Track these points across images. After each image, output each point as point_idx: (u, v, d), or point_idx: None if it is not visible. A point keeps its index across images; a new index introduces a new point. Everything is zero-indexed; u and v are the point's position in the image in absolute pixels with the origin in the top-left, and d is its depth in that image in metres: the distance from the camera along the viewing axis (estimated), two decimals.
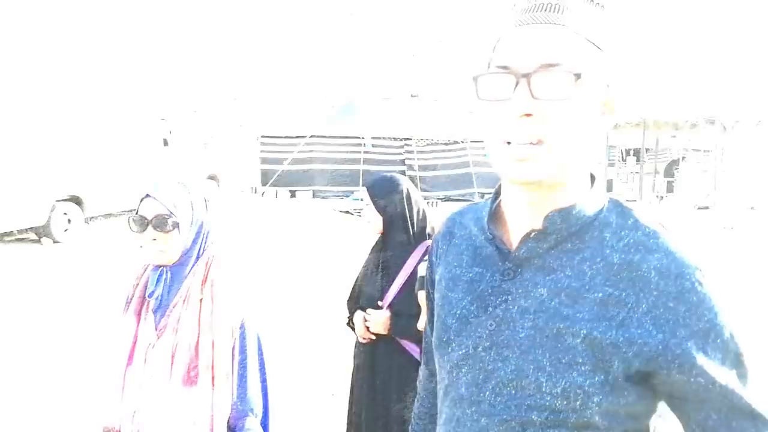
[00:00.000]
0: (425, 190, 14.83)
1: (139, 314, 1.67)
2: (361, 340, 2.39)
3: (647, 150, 22.57)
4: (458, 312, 0.97)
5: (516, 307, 0.90)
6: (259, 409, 1.67)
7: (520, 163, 0.84)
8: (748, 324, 0.87)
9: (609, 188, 21.81)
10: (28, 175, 8.98)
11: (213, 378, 1.58)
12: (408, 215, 2.32)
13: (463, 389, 0.94)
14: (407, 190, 2.35)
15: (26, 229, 9.43)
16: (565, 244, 0.90)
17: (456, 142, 16.91)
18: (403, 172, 15.06)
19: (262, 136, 17.55)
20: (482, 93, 0.87)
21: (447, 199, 16.18)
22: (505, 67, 0.84)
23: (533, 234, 0.91)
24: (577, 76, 0.81)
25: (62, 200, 9.59)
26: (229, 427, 1.62)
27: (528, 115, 0.82)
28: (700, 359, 0.81)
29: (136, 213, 1.63)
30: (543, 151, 0.83)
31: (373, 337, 2.32)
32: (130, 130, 11.34)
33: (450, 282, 1.02)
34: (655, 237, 0.87)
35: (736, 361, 0.82)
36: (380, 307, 2.33)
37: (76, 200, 9.86)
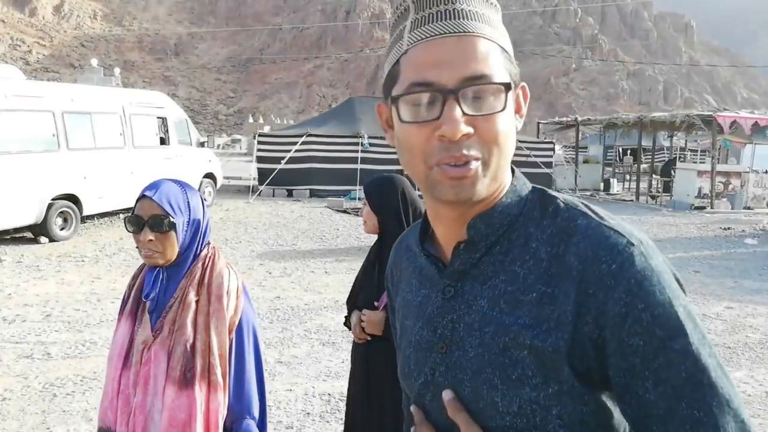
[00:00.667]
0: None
1: (134, 315, 1.66)
2: (356, 340, 2.38)
3: (644, 150, 22.60)
4: (413, 339, 0.92)
5: (462, 325, 0.85)
6: (256, 411, 1.66)
7: (458, 183, 0.78)
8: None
9: (606, 188, 21.94)
10: (24, 174, 8.96)
11: (209, 379, 1.57)
12: (404, 215, 2.32)
13: (432, 417, 0.88)
14: (403, 189, 2.36)
15: (23, 228, 9.42)
16: (495, 247, 0.85)
17: None
18: (400, 172, 15.08)
19: (259, 135, 17.54)
20: (405, 114, 0.79)
21: None
22: (427, 84, 0.77)
23: (462, 246, 0.86)
24: (507, 86, 0.78)
25: (59, 198, 9.57)
26: (225, 428, 1.61)
27: (465, 134, 0.76)
28: (613, 348, 0.74)
29: (133, 213, 1.63)
30: (479, 169, 0.78)
31: (369, 338, 2.32)
32: (129, 128, 11.31)
33: (404, 309, 0.97)
34: (574, 220, 0.82)
35: (662, 347, 0.72)
36: (376, 308, 2.33)
37: (73, 199, 9.85)
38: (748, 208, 16.45)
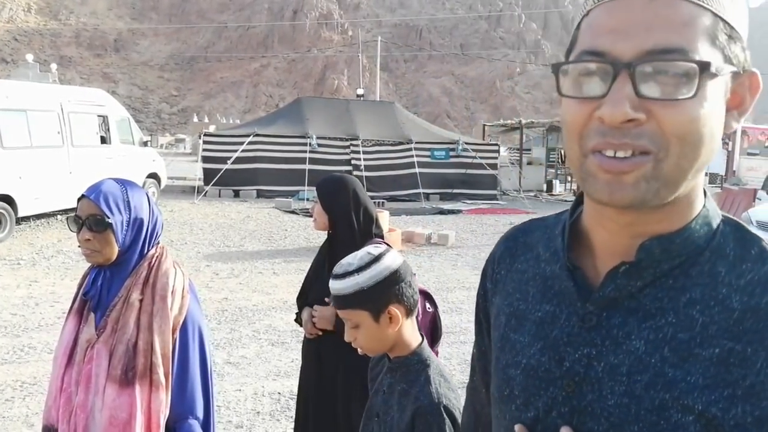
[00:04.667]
0: (371, 190, 14.90)
1: (80, 314, 1.65)
2: (308, 335, 2.42)
3: None
4: (524, 362, 0.77)
5: (602, 364, 0.69)
6: (200, 411, 1.66)
7: (615, 180, 0.64)
8: None
9: (549, 189, 22.59)
10: None
11: (151, 379, 1.57)
12: (354, 215, 2.37)
13: None
14: (354, 189, 2.41)
15: None
16: (666, 280, 0.69)
17: (402, 143, 17.08)
18: (349, 172, 15.12)
19: (205, 134, 17.24)
20: (566, 87, 0.66)
21: (393, 198, 16.32)
22: (598, 54, 0.63)
23: (623, 268, 0.70)
24: (703, 66, 0.60)
25: None
26: (168, 428, 1.61)
27: (631, 120, 0.61)
28: None
29: (75, 213, 1.63)
30: (648, 166, 0.63)
31: (320, 333, 2.36)
32: (67, 127, 10.92)
33: (512, 320, 0.81)
34: None
35: None
36: (327, 304, 2.37)
37: (8, 199, 9.44)
38: None
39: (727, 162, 16.82)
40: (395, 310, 1.47)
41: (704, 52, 0.61)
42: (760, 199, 12.34)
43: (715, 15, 0.63)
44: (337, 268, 1.51)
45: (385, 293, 1.47)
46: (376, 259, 1.49)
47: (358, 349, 1.54)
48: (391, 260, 1.51)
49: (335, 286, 1.49)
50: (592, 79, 0.64)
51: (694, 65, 0.60)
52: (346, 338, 1.52)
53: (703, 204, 0.71)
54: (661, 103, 0.61)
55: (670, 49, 0.61)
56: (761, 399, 0.62)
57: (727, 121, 0.67)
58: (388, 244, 2.36)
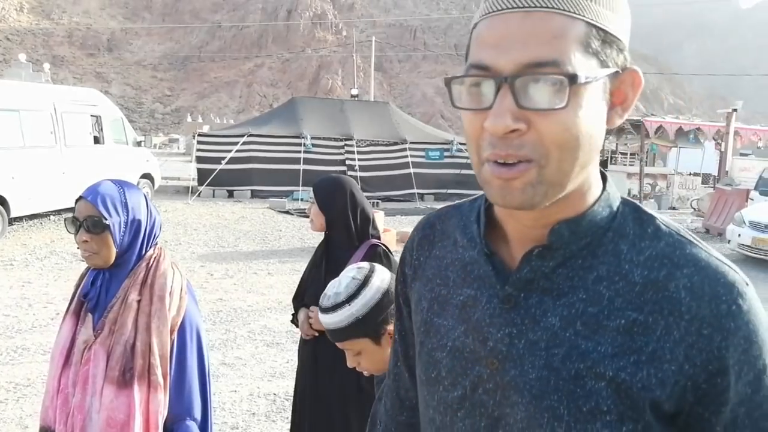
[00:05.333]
0: (366, 191, 14.89)
1: (78, 315, 1.65)
2: (304, 336, 2.42)
3: None
4: (450, 344, 0.81)
5: (523, 341, 0.74)
6: (197, 412, 1.66)
7: (506, 185, 0.68)
8: None
9: None
10: None
11: (149, 380, 1.56)
12: (351, 215, 2.37)
13: None
14: (351, 190, 2.41)
15: None
16: (575, 260, 0.74)
17: (396, 143, 17.08)
18: (344, 172, 15.11)
19: (198, 134, 17.19)
20: (458, 99, 0.70)
21: (388, 199, 16.32)
22: (483, 67, 0.67)
23: (537, 251, 0.75)
24: (572, 78, 0.64)
25: None
26: (166, 429, 1.61)
27: (514, 131, 0.66)
28: (729, 397, 0.69)
29: (72, 215, 1.62)
30: (533, 172, 0.67)
31: (317, 334, 2.36)
32: (60, 127, 10.87)
33: (434, 305, 0.85)
34: (682, 247, 0.73)
35: (766, 396, 0.70)
36: None
37: (0, 200, 9.38)
38: (674, 208, 17.34)
39: (720, 162, 16.91)
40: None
41: (577, 61, 0.65)
42: (752, 199, 12.42)
43: (588, 23, 0.66)
44: (325, 301, 1.43)
45: (382, 315, 1.41)
46: (364, 283, 1.42)
47: (364, 372, 1.49)
48: (379, 280, 1.44)
49: (328, 320, 1.41)
50: (480, 91, 0.68)
51: (563, 77, 0.64)
52: (349, 364, 1.47)
53: (603, 188, 0.77)
54: (538, 114, 0.65)
55: (543, 62, 0.64)
56: (662, 362, 0.69)
57: (611, 117, 0.73)
58: (384, 245, 2.38)
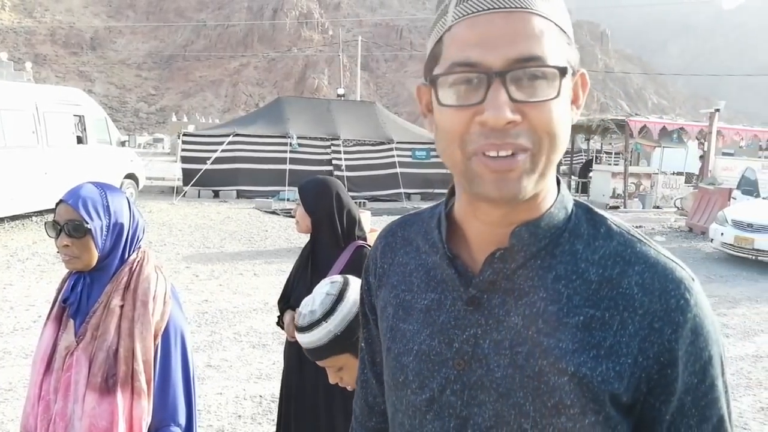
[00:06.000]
0: (352, 190, 14.89)
1: (59, 320, 1.63)
2: (290, 339, 2.40)
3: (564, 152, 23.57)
4: (416, 348, 0.82)
5: (488, 341, 0.77)
6: (182, 418, 1.64)
7: (501, 177, 0.70)
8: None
9: None
10: None
11: (133, 386, 1.54)
12: (337, 217, 2.36)
13: None
14: (338, 192, 2.40)
15: None
16: (535, 261, 0.77)
17: (383, 143, 17.07)
18: (330, 172, 15.08)
19: (184, 134, 17.06)
20: (444, 97, 0.72)
21: (374, 198, 16.31)
22: (470, 65, 0.69)
23: (498, 253, 0.77)
24: (563, 70, 0.69)
25: None
26: None
27: (511, 122, 0.68)
28: (677, 387, 0.73)
29: (53, 218, 1.60)
30: (528, 162, 0.70)
31: None
32: (42, 127, 10.73)
33: (399, 310, 0.87)
34: (632, 246, 0.77)
35: (710, 385, 0.74)
36: None
37: None
38: (658, 207, 17.50)
39: (703, 162, 17.09)
40: None
41: (556, 57, 0.70)
42: (735, 198, 12.57)
43: (558, 26, 0.72)
44: (301, 320, 1.39)
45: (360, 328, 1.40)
46: (339, 298, 1.39)
47: (348, 387, 1.45)
48: (355, 293, 1.41)
49: (306, 339, 1.37)
50: (466, 87, 0.70)
51: (555, 70, 0.69)
52: (332, 381, 1.44)
53: (558, 191, 0.81)
54: (531, 105, 0.69)
55: (531, 57, 0.68)
56: (620, 356, 0.72)
57: (572, 116, 0.77)
58: (370, 246, 2.36)
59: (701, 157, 19.74)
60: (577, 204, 0.82)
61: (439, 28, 0.74)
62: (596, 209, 0.83)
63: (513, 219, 0.77)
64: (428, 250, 0.86)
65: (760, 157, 21.31)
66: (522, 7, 0.69)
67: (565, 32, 0.73)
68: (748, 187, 12.97)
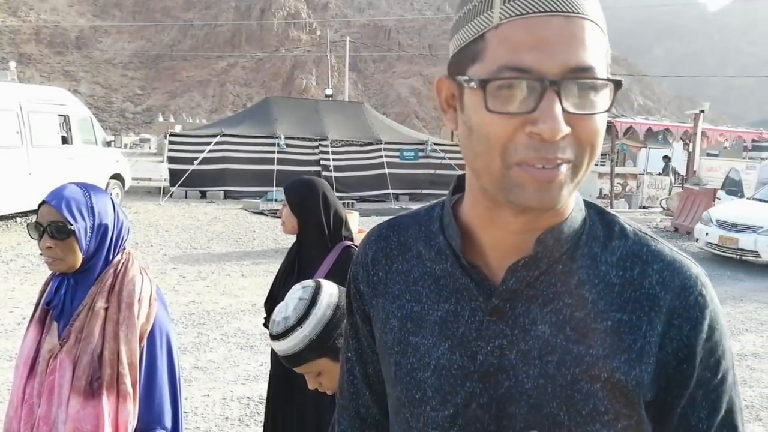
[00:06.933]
0: (340, 191, 14.87)
1: (42, 323, 1.60)
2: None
3: None
4: (433, 363, 0.78)
5: (514, 352, 0.74)
6: (168, 421, 1.63)
7: (543, 188, 0.67)
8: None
9: None
10: None
11: (118, 389, 1.52)
12: (324, 217, 2.35)
13: None
14: (323, 192, 2.39)
15: None
16: (556, 266, 0.75)
17: (371, 143, 17.07)
18: (318, 173, 15.05)
19: (170, 134, 16.95)
20: (493, 103, 0.66)
21: (362, 199, 16.30)
22: (522, 70, 0.65)
23: (522, 261, 0.75)
24: (617, 84, 0.67)
25: None
26: None
27: (564, 135, 0.65)
28: (691, 382, 0.74)
29: (35, 220, 1.57)
30: (569, 172, 0.68)
31: None
32: (26, 127, 10.61)
33: (408, 322, 0.82)
34: (647, 245, 0.77)
35: (722, 379, 0.75)
36: None
37: None
38: (644, 207, 17.64)
39: (688, 162, 17.25)
40: None
41: (604, 68, 0.68)
42: (719, 199, 12.70)
43: (605, 35, 0.70)
44: (275, 327, 1.37)
45: (337, 332, 1.35)
46: (312, 302, 1.37)
47: (327, 392, 1.43)
48: (328, 296, 1.39)
49: (282, 347, 1.35)
50: (516, 93, 0.66)
51: (611, 83, 0.67)
52: (311, 387, 1.42)
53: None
54: (581, 117, 0.66)
55: (587, 68, 0.65)
56: (650, 356, 0.72)
57: None
58: (357, 247, 2.36)
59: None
60: (588, 204, 0.81)
61: (481, 23, 0.68)
62: (606, 209, 0.82)
63: (535, 225, 0.74)
64: (434, 257, 0.82)
65: (744, 158, 21.55)
66: (579, 13, 0.66)
67: (606, 38, 0.71)
68: (733, 187, 13.12)
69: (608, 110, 0.68)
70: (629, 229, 0.79)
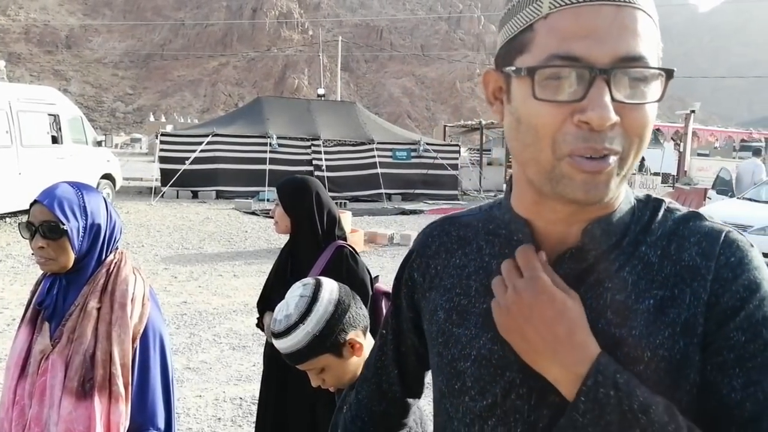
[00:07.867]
0: (333, 191, 14.85)
1: (33, 323, 1.59)
2: (270, 340, 2.39)
3: None
4: (474, 353, 0.79)
5: None
6: (160, 422, 1.62)
7: (591, 179, 0.67)
8: None
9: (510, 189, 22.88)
10: None
11: (110, 390, 1.51)
12: (317, 217, 2.35)
13: None
14: (317, 192, 2.39)
15: None
16: (604, 258, 0.75)
17: (363, 143, 17.07)
18: (310, 173, 15.03)
19: (162, 134, 16.88)
20: (541, 92, 0.66)
21: (355, 199, 16.30)
22: (572, 59, 0.65)
23: (569, 253, 0.75)
24: (669, 73, 0.67)
25: None
26: None
27: (613, 124, 0.65)
28: (721, 344, 0.70)
29: (27, 219, 1.56)
30: (616, 164, 0.67)
31: None
32: (16, 126, 10.53)
33: (453, 314, 0.83)
34: (685, 222, 0.75)
35: (762, 347, 0.69)
36: None
37: None
38: None
39: (679, 162, 17.36)
40: (354, 337, 1.40)
41: (655, 57, 0.67)
42: (710, 198, 12.78)
43: (656, 24, 0.69)
44: (277, 325, 1.37)
45: (339, 327, 1.37)
46: (313, 299, 1.38)
47: (330, 388, 1.45)
48: (328, 293, 1.40)
49: (284, 344, 1.36)
50: (564, 82, 0.66)
51: (662, 72, 0.66)
52: (314, 384, 1.42)
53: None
54: (630, 107, 0.66)
55: (637, 57, 0.65)
56: (696, 327, 0.70)
57: None
58: (350, 246, 2.36)
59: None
60: (635, 196, 0.81)
61: (530, 14, 0.69)
62: (655, 195, 0.81)
63: (580, 217, 0.74)
64: (495, 252, 0.82)
65: (734, 158, 21.72)
66: (630, 3, 0.66)
67: (658, 30, 0.70)
68: (723, 187, 13.20)
69: (659, 100, 0.67)
70: (674, 210, 0.78)
